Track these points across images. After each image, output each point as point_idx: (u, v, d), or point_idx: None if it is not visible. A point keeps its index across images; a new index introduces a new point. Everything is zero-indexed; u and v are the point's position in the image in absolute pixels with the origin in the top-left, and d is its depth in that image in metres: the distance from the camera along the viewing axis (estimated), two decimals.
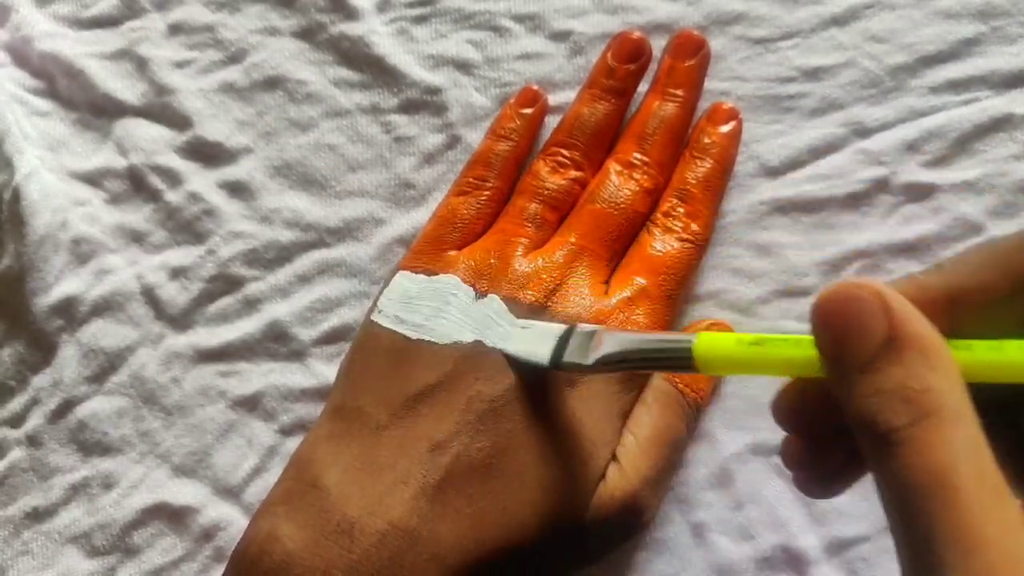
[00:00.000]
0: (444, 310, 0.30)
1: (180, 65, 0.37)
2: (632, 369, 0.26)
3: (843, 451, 0.22)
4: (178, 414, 0.34)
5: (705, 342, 0.22)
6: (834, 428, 0.21)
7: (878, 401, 0.18)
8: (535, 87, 0.36)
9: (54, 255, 0.35)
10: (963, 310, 0.20)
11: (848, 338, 0.19)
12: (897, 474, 0.18)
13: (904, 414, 0.18)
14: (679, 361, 0.23)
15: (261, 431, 0.34)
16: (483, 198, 0.34)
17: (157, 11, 0.38)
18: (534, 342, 0.29)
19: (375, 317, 0.31)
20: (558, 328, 0.29)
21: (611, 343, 0.27)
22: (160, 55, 0.37)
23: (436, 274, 0.31)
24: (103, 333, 0.35)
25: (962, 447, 0.18)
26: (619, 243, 0.33)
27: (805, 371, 0.20)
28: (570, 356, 0.27)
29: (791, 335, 0.21)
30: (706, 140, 0.34)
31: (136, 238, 0.36)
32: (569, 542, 0.29)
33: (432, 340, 0.29)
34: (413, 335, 0.30)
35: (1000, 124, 0.34)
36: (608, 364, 0.26)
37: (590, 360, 0.27)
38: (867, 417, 0.18)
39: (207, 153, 0.37)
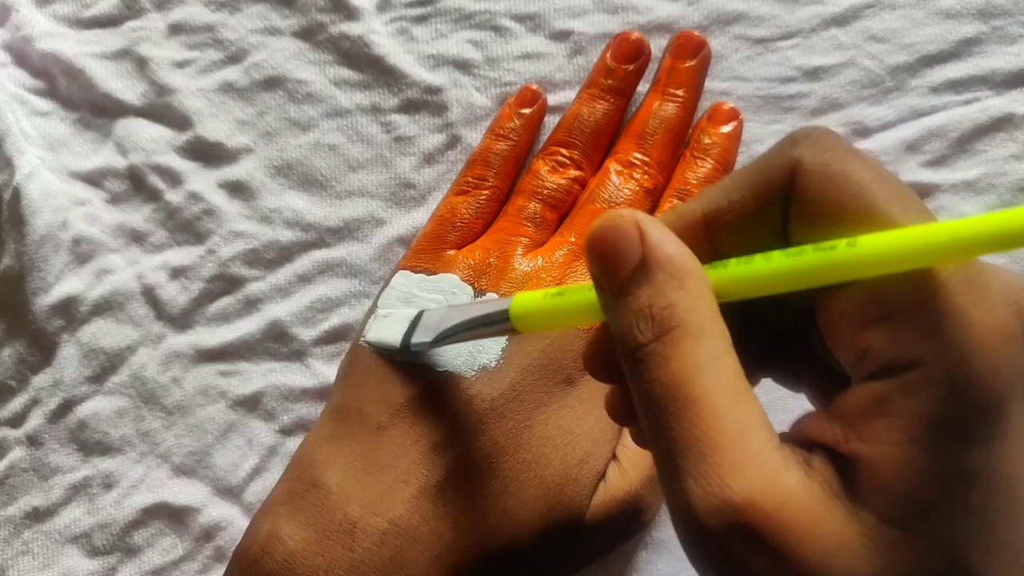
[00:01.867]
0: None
1: (180, 65, 0.37)
2: (468, 339, 0.27)
3: None
4: (178, 414, 0.34)
5: (519, 302, 0.23)
6: None
7: (628, 321, 0.19)
8: (534, 86, 0.36)
9: (54, 255, 0.35)
10: (720, 232, 0.20)
11: (610, 265, 0.19)
12: (642, 389, 0.18)
13: (648, 331, 0.18)
14: (500, 325, 0.24)
15: (261, 431, 0.34)
16: (482, 197, 0.34)
17: (157, 11, 0.38)
18: (390, 328, 0.30)
19: (364, 342, 0.31)
20: (408, 313, 0.30)
21: (448, 317, 0.27)
22: (160, 55, 0.37)
23: (436, 273, 0.31)
24: (103, 333, 0.35)
25: (703, 359, 0.18)
26: None
27: (601, 315, 0.21)
28: (416, 336, 0.28)
29: (587, 283, 0.21)
30: (707, 140, 0.34)
31: (136, 238, 0.36)
32: (569, 541, 0.29)
33: (420, 362, 0.29)
34: (400, 358, 0.30)
35: (1000, 124, 0.34)
36: (443, 338, 0.27)
37: (430, 337, 0.27)
38: (620, 338, 0.19)
39: (207, 153, 0.37)
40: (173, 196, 0.36)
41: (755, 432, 0.18)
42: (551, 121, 0.35)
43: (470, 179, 0.34)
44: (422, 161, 0.36)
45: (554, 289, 0.22)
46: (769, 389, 0.33)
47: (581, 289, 0.21)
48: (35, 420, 0.35)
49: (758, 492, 0.17)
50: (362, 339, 0.30)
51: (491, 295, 0.30)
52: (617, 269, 0.19)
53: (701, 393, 0.18)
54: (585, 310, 0.21)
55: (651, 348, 0.18)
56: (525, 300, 0.23)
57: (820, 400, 0.22)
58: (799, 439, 0.19)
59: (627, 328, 0.19)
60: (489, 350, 0.29)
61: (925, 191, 0.34)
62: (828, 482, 0.18)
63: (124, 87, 0.37)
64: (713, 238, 0.20)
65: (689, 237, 0.20)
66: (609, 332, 0.20)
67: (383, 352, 0.30)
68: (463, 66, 0.36)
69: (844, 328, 0.19)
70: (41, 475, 0.34)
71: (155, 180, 0.36)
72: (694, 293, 0.19)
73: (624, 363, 0.19)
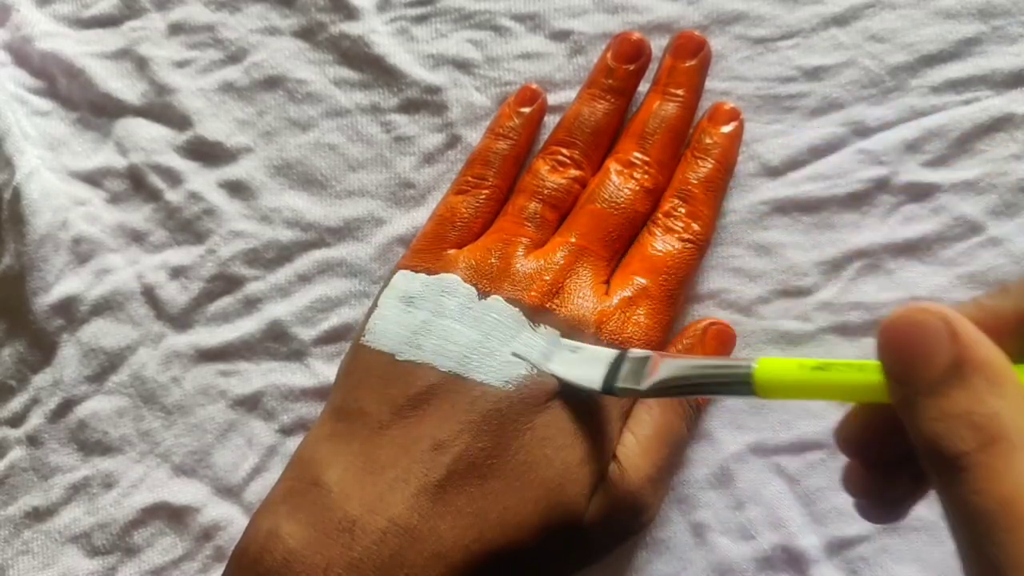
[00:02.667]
0: (444, 310, 0.30)
1: (180, 65, 0.37)
2: (688, 394, 0.26)
3: (907, 478, 0.22)
4: (178, 414, 0.34)
5: (766, 368, 0.22)
6: (898, 456, 0.21)
7: (944, 426, 0.18)
8: (534, 86, 0.36)
9: (54, 254, 0.35)
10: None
11: (914, 361, 0.19)
12: (965, 500, 0.18)
13: (970, 439, 0.18)
14: (738, 387, 0.23)
15: (261, 431, 0.34)
16: (482, 197, 0.34)
17: (157, 11, 0.38)
18: (584, 366, 0.29)
19: (365, 341, 0.31)
20: (609, 352, 0.29)
21: (667, 368, 0.26)
22: (160, 55, 0.37)
23: (436, 273, 0.31)
24: (103, 332, 0.35)
25: None
26: (619, 243, 0.33)
27: (870, 396, 0.20)
28: (623, 381, 0.27)
29: (855, 360, 0.21)
30: (707, 140, 0.34)
31: (136, 238, 0.36)
32: (569, 541, 0.29)
33: (422, 361, 0.29)
34: (400, 358, 0.30)
35: (1000, 124, 0.34)
36: (663, 389, 0.26)
37: (644, 385, 0.27)
38: (933, 441, 0.18)
39: (207, 153, 0.37)
40: (173, 196, 0.36)
41: None
42: (551, 121, 0.35)
43: (470, 178, 0.34)
44: (422, 161, 0.36)
45: (812, 362, 0.21)
46: None
47: (848, 368, 0.21)
48: (35, 420, 0.35)
49: None
50: (549, 369, 0.29)
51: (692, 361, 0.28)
52: (925, 367, 0.19)
53: None
54: (850, 391, 0.21)
55: (975, 459, 0.18)
56: (774, 368, 0.22)
57: None
58: None
59: (943, 433, 0.18)
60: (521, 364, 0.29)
61: (926, 191, 0.34)
62: None
63: (124, 87, 0.37)
64: (1021, 339, 0.20)
65: (996, 336, 0.19)
66: (870, 413, 0.20)
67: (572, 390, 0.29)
68: (463, 66, 0.36)
69: None
70: (41, 475, 0.34)
71: (155, 180, 0.36)
72: (1014, 401, 0.18)
73: (936, 468, 0.18)
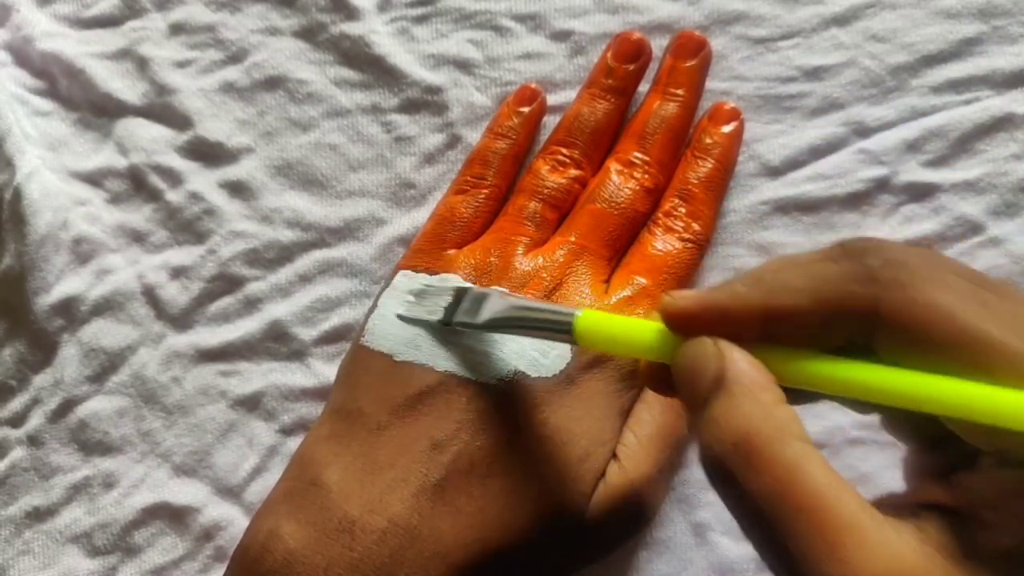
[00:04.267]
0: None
1: (181, 65, 0.37)
2: (517, 333, 0.28)
3: None
4: (179, 414, 0.34)
5: (588, 317, 0.24)
6: None
7: (709, 432, 0.20)
8: (533, 85, 0.36)
9: (55, 255, 0.35)
10: (777, 326, 0.21)
11: (691, 382, 0.21)
12: (740, 501, 0.19)
13: (727, 441, 0.20)
14: (560, 333, 0.25)
15: (262, 431, 0.34)
16: (481, 196, 0.34)
17: (158, 11, 0.38)
18: (429, 304, 0.30)
19: (364, 341, 0.31)
20: (450, 288, 0.30)
21: (498, 305, 0.28)
22: (161, 55, 0.37)
23: (437, 273, 0.31)
24: (104, 333, 0.35)
25: (793, 461, 0.19)
26: (619, 242, 0.33)
27: (660, 358, 0.23)
28: (461, 315, 0.29)
29: (655, 322, 0.23)
30: (708, 140, 0.34)
31: (137, 238, 0.36)
32: (569, 541, 0.29)
33: (420, 362, 0.29)
34: (399, 358, 0.30)
35: (1001, 124, 0.34)
36: (496, 325, 0.28)
37: (479, 319, 0.28)
38: (704, 449, 0.20)
39: (208, 153, 0.37)
40: (173, 196, 0.36)
41: (864, 517, 0.19)
42: (551, 121, 0.35)
43: (469, 178, 0.34)
44: (422, 161, 0.36)
45: (628, 319, 0.24)
46: None
47: (651, 326, 0.23)
48: (36, 420, 0.35)
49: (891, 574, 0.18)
50: (397, 314, 0.30)
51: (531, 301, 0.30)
52: (698, 384, 0.21)
53: (802, 495, 0.19)
54: (652, 349, 0.23)
55: (736, 458, 0.19)
56: (595, 318, 0.24)
57: (925, 457, 0.23)
58: (903, 502, 0.20)
59: (709, 439, 0.20)
60: (551, 363, 0.29)
61: (925, 191, 0.34)
62: (942, 545, 0.19)
63: (125, 87, 0.37)
64: (766, 327, 0.21)
65: (745, 321, 0.21)
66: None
67: (418, 324, 0.30)
68: (463, 66, 0.36)
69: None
70: (42, 475, 0.34)
71: (155, 180, 0.36)
72: (768, 401, 0.20)
73: (713, 473, 0.20)
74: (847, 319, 0.20)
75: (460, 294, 0.30)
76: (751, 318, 0.21)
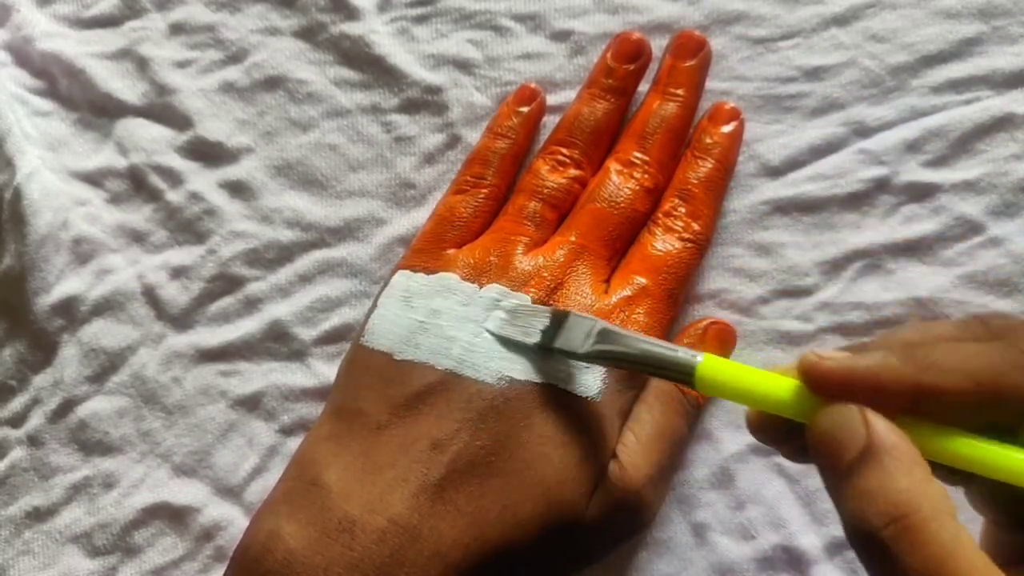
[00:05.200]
0: (442, 309, 0.30)
1: (181, 65, 0.37)
2: (625, 368, 0.27)
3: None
4: (179, 414, 0.34)
5: (709, 366, 0.24)
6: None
7: (861, 504, 0.20)
8: (533, 85, 0.36)
9: (55, 255, 0.35)
10: (925, 402, 0.21)
11: (835, 450, 0.21)
12: (891, 574, 0.19)
13: (885, 515, 0.20)
14: (679, 375, 0.25)
15: (262, 431, 0.34)
16: (481, 196, 0.34)
17: (158, 11, 0.38)
18: (521, 322, 0.29)
19: (364, 341, 0.31)
20: (548, 310, 0.29)
21: (611, 338, 0.27)
22: (161, 55, 0.37)
23: (435, 272, 0.31)
24: (104, 333, 0.35)
25: (949, 542, 0.19)
26: (619, 242, 0.33)
27: (790, 414, 0.22)
28: (561, 342, 0.28)
29: (789, 378, 0.23)
30: (708, 140, 0.34)
31: (137, 238, 0.36)
32: (569, 541, 0.29)
33: (420, 361, 0.29)
34: (398, 357, 0.30)
35: (1001, 124, 0.34)
36: (602, 357, 0.27)
37: (583, 349, 0.27)
38: (854, 520, 0.20)
39: (208, 153, 0.37)
40: (174, 196, 0.36)
41: None
42: (551, 121, 0.35)
43: (468, 178, 0.34)
44: (422, 161, 0.36)
45: (754, 370, 0.23)
46: None
47: (781, 381, 0.23)
48: (36, 420, 0.35)
49: None
50: (484, 328, 0.30)
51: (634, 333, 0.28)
52: (843, 452, 0.21)
53: (958, 574, 0.19)
54: (781, 402, 0.22)
55: (893, 533, 0.19)
56: (718, 365, 0.24)
57: (1015, 536, 0.23)
58: None
59: (860, 511, 0.20)
60: (591, 383, 0.29)
61: (926, 191, 0.34)
62: None
63: (125, 87, 0.37)
64: (917, 400, 0.21)
65: (897, 395, 0.21)
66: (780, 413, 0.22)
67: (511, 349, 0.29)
68: (463, 66, 0.36)
69: None
70: (42, 475, 0.34)
71: (156, 180, 0.36)
72: (922, 480, 0.20)
73: (865, 546, 0.20)
74: (1001, 404, 0.21)
75: (559, 318, 0.29)
76: (901, 393, 0.21)
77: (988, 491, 0.23)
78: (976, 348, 0.21)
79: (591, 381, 0.29)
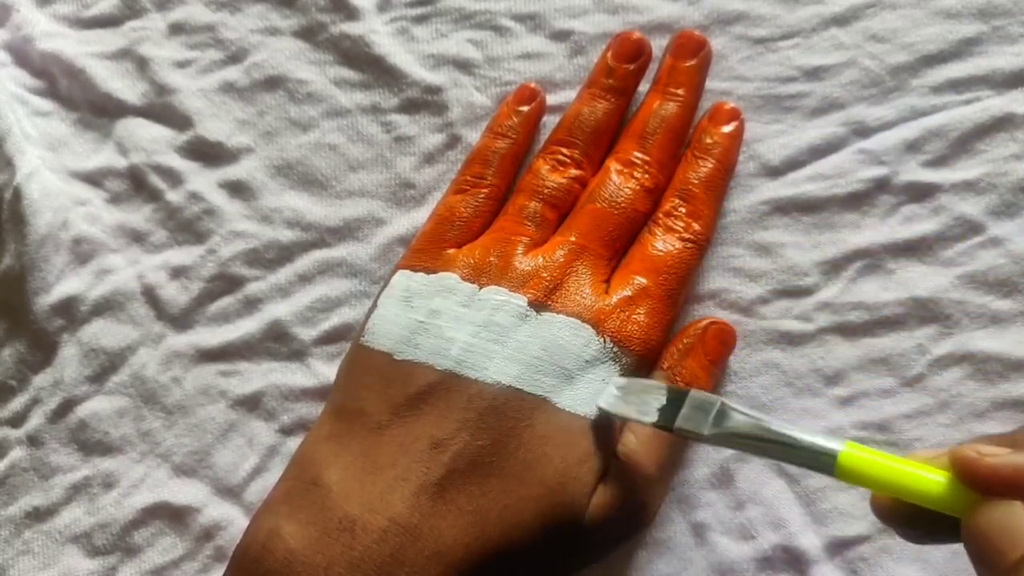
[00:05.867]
0: (442, 309, 0.30)
1: (181, 65, 0.37)
2: (756, 453, 0.27)
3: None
4: (179, 414, 0.34)
5: (852, 457, 0.23)
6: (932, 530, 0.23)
7: None
8: (532, 84, 0.36)
9: (55, 255, 0.35)
10: None
11: (997, 549, 0.21)
12: None
13: None
14: (818, 464, 0.24)
15: (262, 431, 0.34)
16: (481, 196, 0.34)
17: (158, 11, 0.38)
18: (636, 401, 0.28)
19: (364, 340, 0.31)
20: (661, 387, 0.28)
21: (742, 422, 0.26)
22: (161, 55, 0.37)
23: (435, 272, 0.31)
24: (104, 333, 0.35)
25: None
26: (619, 242, 0.33)
27: (941, 508, 0.22)
28: (684, 422, 0.27)
29: (936, 469, 0.22)
30: (708, 140, 0.34)
31: (137, 238, 0.36)
32: (570, 541, 0.29)
33: (420, 361, 0.29)
34: (398, 357, 0.30)
35: (1001, 124, 0.34)
36: (730, 440, 0.26)
37: (707, 431, 0.26)
38: None
39: (208, 153, 0.37)
40: (173, 196, 0.36)
41: None
42: (551, 121, 0.35)
43: (468, 178, 0.34)
44: (422, 161, 0.36)
45: (894, 460, 0.23)
46: (769, 389, 0.33)
47: (931, 473, 0.22)
48: (35, 420, 0.35)
49: None
50: (598, 406, 0.29)
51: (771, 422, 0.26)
52: (1007, 552, 0.20)
53: None
54: (932, 497, 0.22)
55: None
56: (861, 458, 0.23)
57: None
58: None
59: None
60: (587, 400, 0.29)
61: (926, 191, 0.34)
62: None
63: (124, 87, 0.37)
64: None
65: None
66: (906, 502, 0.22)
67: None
68: (463, 66, 0.36)
69: None
70: (41, 475, 0.34)
71: (155, 180, 0.36)
72: None
73: None
74: None
75: (677, 396, 0.27)
76: None
77: None
78: None
79: (588, 397, 0.29)
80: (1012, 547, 0.20)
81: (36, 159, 0.36)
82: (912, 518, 0.23)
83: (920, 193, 0.34)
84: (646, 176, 0.33)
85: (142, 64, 0.37)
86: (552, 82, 0.36)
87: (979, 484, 0.22)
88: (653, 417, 0.28)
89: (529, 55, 0.36)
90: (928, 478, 0.22)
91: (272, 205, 0.36)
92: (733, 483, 0.32)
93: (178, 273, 0.36)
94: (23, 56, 0.38)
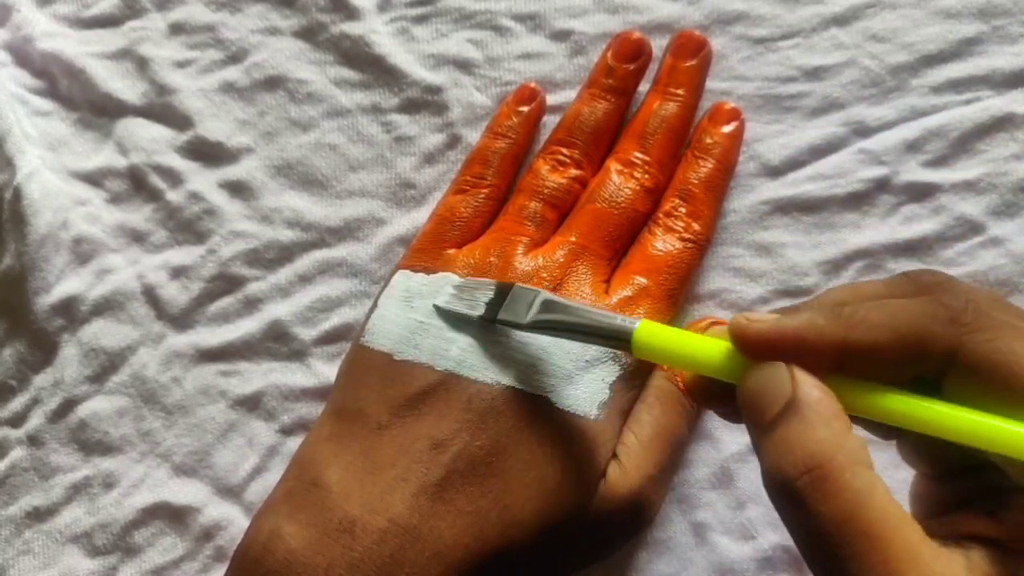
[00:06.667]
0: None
1: (181, 65, 0.37)
2: (567, 337, 0.28)
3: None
4: (179, 414, 0.34)
5: (647, 328, 0.25)
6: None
7: (779, 455, 0.21)
8: (532, 84, 0.36)
9: (55, 255, 0.35)
10: (852, 360, 0.22)
11: (760, 403, 0.21)
12: (806, 523, 0.20)
13: (801, 464, 0.20)
14: (618, 340, 0.25)
15: (262, 431, 0.34)
16: (481, 196, 0.34)
17: (158, 11, 0.38)
18: (468, 298, 0.30)
19: (364, 341, 0.31)
20: (492, 283, 0.30)
21: (552, 307, 0.28)
22: (161, 55, 0.38)
23: (435, 272, 0.31)
24: (104, 333, 0.35)
25: (863, 490, 0.20)
26: (620, 242, 0.33)
27: (726, 377, 0.23)
28: (505, 313, 0.28)
29: (721, 340, 0.23)
30: (708, 140, 0.34)
31: (137, 238, 0.36)
32: (570, 541, 0.29)
33: (420, 361, 0.29)
34: (398, 357, 0.30)
35: (1001, 123, 0.34)
36: (545, 326, 0.28)
37: (526, 319, 0.28)
38: (772, 471, 0.21)
39: (208, 153, 0.37)
40: (174, 196, 0.36)
41: (925, 548, 0.20)
42: (551, 121, 0.35)
43: (468, 178, 0.34)
44: (422, 161, 0.36)
45: (689, 334, 0.24)
46: None
47: (714, 344, 0.23)
48: (36, 420, 0.35)
49: None
50: (435, 304, 0.30)
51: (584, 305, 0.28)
52: (767, 407, 0.21)
53: (870, 523, 0.19)
54: (714, 365, 0.23)
55: (807, 482, 0.20)
56: (654, 330, 0.24)
57: (941, 487, 0.24)
58: (950, 534, 0.21)
59: (778, 462, 0.21)
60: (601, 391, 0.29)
61: (926, 191, 0.34)
62: (986, 574, 0.20)
63: (125, 87, 0.37)
64: (842, 359, 0.22)
65: (822, 353, 0.21)
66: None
67: (457, 319, 0.30)
68: (464, 66, 0.36)
69: None
70: (42, 475, 0.34)
71: (156, 180, 0.36)
72: (840, 430, 0.20)
73: (780, 494, 0.21)
74: (924, 358, 0.21)
75: (503, 290, 0.29)
76: (828, 351, 0.21)
77: (915, 445, 0.24)
78: (900, 304, 0.22)
79: (588, 397, 0.29)
80: (773, 404, 0.21)
81: (36, 159, 0.36)
82: (715, 395, 0.24)
83: (920, 193, 0.34)
84: (646, 176, 0.33)
85: (142, 64, 0.37)
86: (552, 82, 0.36)
87: (748, 348, 0.22)
88: (481, 311, 0.29)
89: (529, 55, 0.36)
90: (711, 348, 0.23)
91: (272, 205, 0.36)
92: (733, 483, 0.32)
93: (178, 273, 0.36)
94: (23, 56, 0.38)
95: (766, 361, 0.22)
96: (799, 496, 0.20)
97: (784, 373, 0.21)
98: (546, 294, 0.28)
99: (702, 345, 0.23)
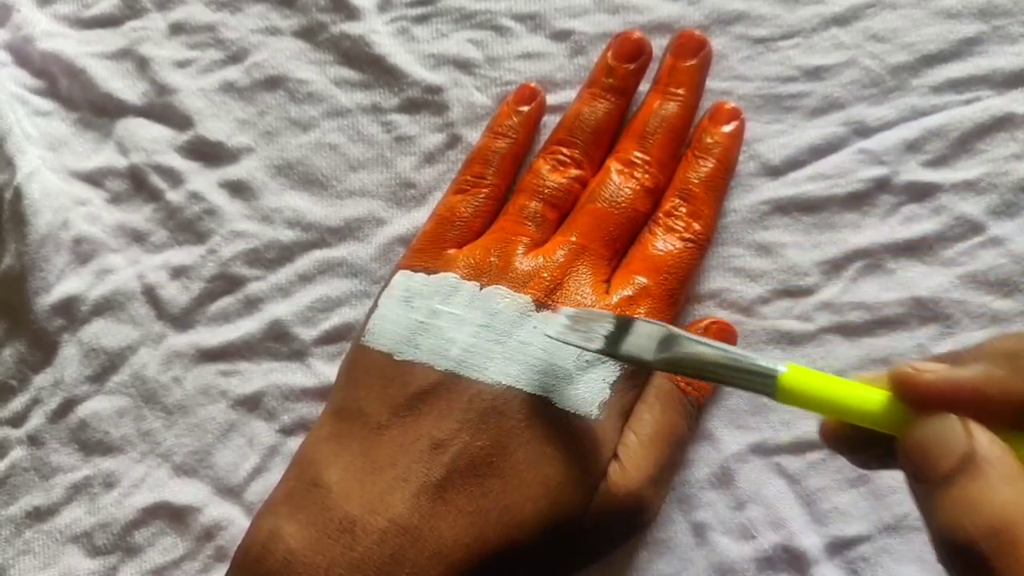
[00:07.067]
0: (442, 310, 0.30)
1: (181, 65, 0.37)
2: (700, 378, 0.26)
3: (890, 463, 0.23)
4: (179, 414, 0.34)
5: (793, 376, 0.23)
6: (881, 454, 0.22)
7: (957, 514, 0.19)
8: (533, 84, 0.36)
9: (55, 255, 0.35)
10: (985, 407, 0.21)
11: (931, 457, 0.20)
12: None
13: (983, 526, 0.19)
14: (760, 386, 0.24)
15: (262, 431, 0.34)
16: (481, 196, 0.34)
17: (158, 11, 0.38)
18: (584, 329, 0.28)
19: (365, 341, 0.31)
20: (610, 315, 0.28)
21: (686, 345, 0.26)
22: (161, 55, 0.37)
23: (435, 272, 0.31)
24: (104, 332, 0.35)
25: None
26: (620, 242, 0.33)
27: (882, 427, 0.22)
28: (628, 347, 0.27)
29: (877, 388, 0.22)
30: (708, 140, 0.34)
31: (137, 238, 0.36)
32: (570, 541, 0.29)
33: (420, 361, 0.29)
34: (399, 357, 0.30)
35: (1001, 123, 0.34)
36: (674, 364, 0.26)
37: (653, 356, 0.26)
38: (947, 530, 0.19)
39: (208, 153, 0.37)
40: (174, 196, 0.36)
41: None
42: (551, 121, 0.35)
43: (468, 178, 0.34)
44: (423, 161, 0.36)
45: (840, 381, 0.23)
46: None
47: (871, 392, 0.22)
48: (36, 420, 0.35)
49: None
50: (546, 335, 0.29)
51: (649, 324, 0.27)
52: (940, 460, 0.20)
53: None
54: (870, 415, 0.22)
55: (994, 546, 0.19)
56: (801, 377, 0.23)
57: None
58: None
59: (956, 521, 0.19)
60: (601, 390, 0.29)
61: (926, 191, 0.34)
62: None
63: (125, 87, 0.37)
64: (975, 406, 0.21)
65: (999, 406, 0.20)
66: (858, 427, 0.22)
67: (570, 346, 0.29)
68: (464, 66, 0.36)
69: None
70: (42, 475, 0.34)
71: (156, 180, 0.36)
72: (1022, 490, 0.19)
73: (958, 555, 0.19)
74: None
75: (624, 324, 0.27)
76: (1007, 405, 0.20)
77: None
78: None
79: (589, 397, 0.29)
80: (945, 458, 0.20)
81: (36, 159, 0.36)
82: (858, 442, 0.23)
83: (920, 193, 0.34)
84: (646, 176, 0.33)
85: (142, 64, 0.37)
86: (552, 82, 0.36)
87: (916, 400, 0.21)
88: (599, 344, 0.27)
89: (529, 55, 0.36)
90: (867, 397, 0.22)
91: (272, 205, 0.36)
92: (733, 483, 0.32)
93: (178, 273, 0.36)
94: (23, 56, 0.38)
95: (934, 413, 0.21)
96: (984, 559, 0.19)
97: (959, 426, 0.20)
98: (672, 329, 0.26)
99: (856, 393, 0.22)
